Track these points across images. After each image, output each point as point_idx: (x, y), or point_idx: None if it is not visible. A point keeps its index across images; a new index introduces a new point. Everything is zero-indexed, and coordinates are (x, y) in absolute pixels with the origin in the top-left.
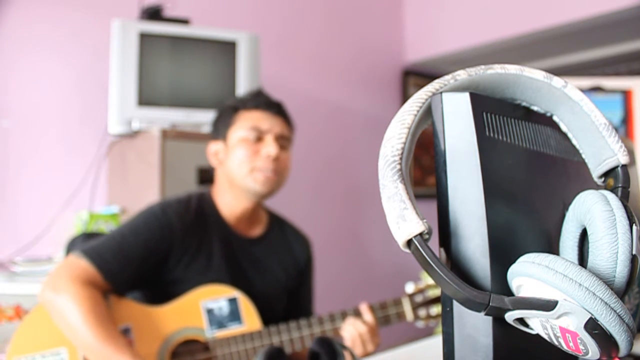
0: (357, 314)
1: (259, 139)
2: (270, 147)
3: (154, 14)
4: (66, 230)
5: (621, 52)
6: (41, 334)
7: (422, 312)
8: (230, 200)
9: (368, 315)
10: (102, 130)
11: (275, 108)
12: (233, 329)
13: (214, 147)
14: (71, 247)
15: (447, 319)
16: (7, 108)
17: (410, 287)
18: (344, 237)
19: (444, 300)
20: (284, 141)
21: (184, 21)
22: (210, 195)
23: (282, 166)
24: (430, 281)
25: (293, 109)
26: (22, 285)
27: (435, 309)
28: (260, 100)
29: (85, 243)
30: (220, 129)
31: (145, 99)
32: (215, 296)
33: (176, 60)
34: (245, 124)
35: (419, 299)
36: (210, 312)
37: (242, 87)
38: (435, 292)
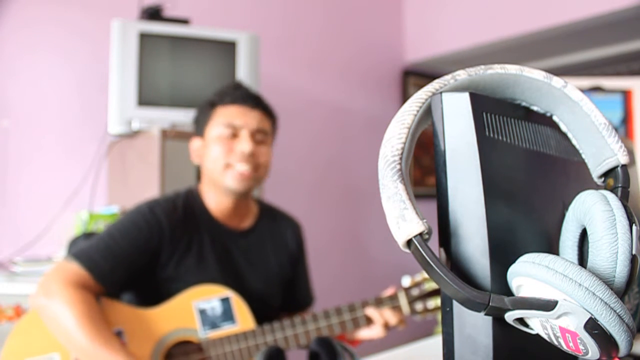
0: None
1: (234, 135)
2: (244, 144)
3: (153, 14)
4: (66, 230)
5: (621, 52)
6: (33, 340)
7: (419, 306)
8: (215, 196)
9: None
10: (102, 130)
11: (252, 102)
12: (226, 329)
13: (195, 143)
14: (72, 247)
15: (447, 319)
16: (7, 108)
17: (406, 281)
18: (344, 237)
19: (444, 300)
20: (262, 135)
21: (183, 21)
22: (198, 192)
23: (259, 161)
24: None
25: (293, 109)
26: (22, 285)
27: (433, 302)
28: (237, 95)
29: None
30: (199, 126)
31: (145, 99)
32: (207, 296)
33: (176, 60)
34: (221, 120)
35: (415, 292)
36: (202, 312)
37: None
38: (433, 285)
